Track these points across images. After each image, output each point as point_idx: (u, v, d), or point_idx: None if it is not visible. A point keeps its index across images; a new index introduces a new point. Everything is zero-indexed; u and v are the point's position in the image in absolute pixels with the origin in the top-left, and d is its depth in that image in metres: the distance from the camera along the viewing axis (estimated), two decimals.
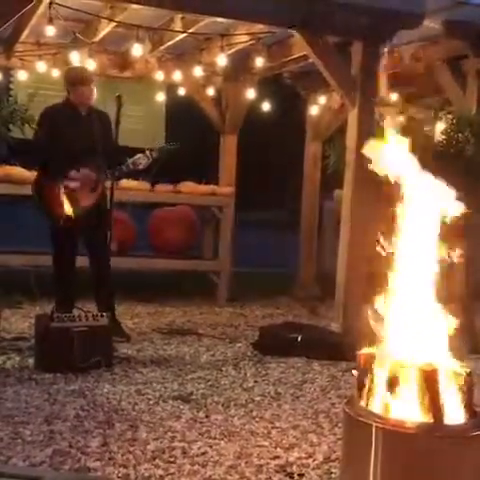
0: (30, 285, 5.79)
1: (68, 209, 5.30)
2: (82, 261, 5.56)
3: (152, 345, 5.62)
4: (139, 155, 5.44)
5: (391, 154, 2.72)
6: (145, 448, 3.36)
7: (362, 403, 2.65)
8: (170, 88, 8.40)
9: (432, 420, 2.51)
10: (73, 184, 5.30)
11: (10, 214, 13.23)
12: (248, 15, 5.70)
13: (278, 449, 3.46)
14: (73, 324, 4.72)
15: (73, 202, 5.31)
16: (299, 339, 5.51)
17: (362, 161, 5.80)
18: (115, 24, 6.40)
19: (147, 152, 5.46)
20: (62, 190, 5.29)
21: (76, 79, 5.40)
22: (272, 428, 3.77)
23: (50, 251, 5.58)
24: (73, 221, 5.31)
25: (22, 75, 7.54)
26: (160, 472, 3.09)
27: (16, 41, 6.73)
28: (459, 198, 2.63)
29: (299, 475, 3.15)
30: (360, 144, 5.90)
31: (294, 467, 3.24)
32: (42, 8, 5.75)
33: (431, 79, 7.22)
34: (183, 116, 11.86)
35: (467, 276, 6.07)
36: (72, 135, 5.31)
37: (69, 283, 5.50)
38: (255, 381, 4.70)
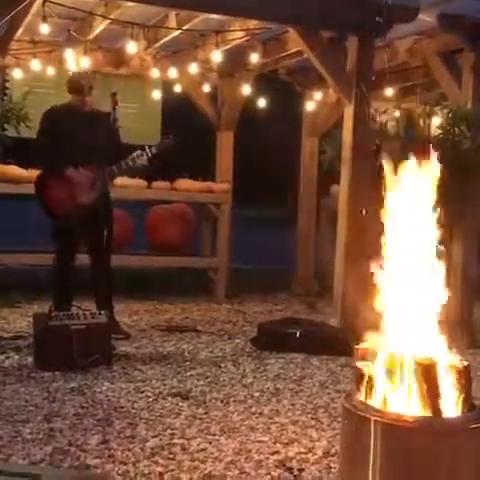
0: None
1: (68, 208, 5.30)
2: (82, 259, 5.56)
3: (151, 342, 5.63)
4: (138, 152, 5.39)
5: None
6: (144, 445, 3.36)
7: (361, 397, 2.65)
8: (166, 85, 8.39)
9: (431, 414, 2.52)
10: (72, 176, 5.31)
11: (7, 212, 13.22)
12: (241, 11, 5.70)
13: (277, 444, 3.47)
14: (71, 322, 4.72)
15: (72, 201, 5.31)
16: (298, 335, 5.52)
17: (358, 156, 5.85)
18: (109, 21, 6.38)
19: (146, 149, 5.41)
20: (62, 188, 5.30)
21: (72, 89, 5.47)
22: (271, 423, 3.77)
23: (52, 249, 5.58)
24: (73, 219, 5.32)
25: (17, 73, 7.53)
26: (160, 469, 3.09)
27: (11, 39, 6.70)
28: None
29: (299, 470, 3.16)
30: (356, 139, 5.92)
31: (294, 462, 3.24)
32: (36, 6, 5.74)
33: (426, 73, 7.23)
34: (179, 113, 11.84)
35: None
36: (72, 134, 5.30)
37: (67, 281, 5.50)
38: (254, 377, 4.71)
